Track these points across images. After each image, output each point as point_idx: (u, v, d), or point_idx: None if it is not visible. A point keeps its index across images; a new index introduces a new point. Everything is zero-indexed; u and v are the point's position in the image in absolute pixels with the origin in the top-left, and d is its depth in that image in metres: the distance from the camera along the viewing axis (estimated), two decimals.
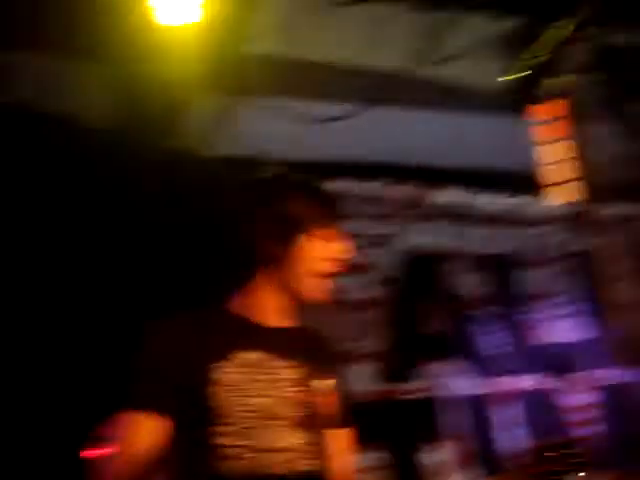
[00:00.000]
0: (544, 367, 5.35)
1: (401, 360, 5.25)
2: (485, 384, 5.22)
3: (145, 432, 2.30)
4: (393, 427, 5.03)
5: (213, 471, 2.28)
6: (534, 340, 5.44)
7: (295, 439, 2.33)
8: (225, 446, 2.29)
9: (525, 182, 5.71)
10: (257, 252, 2.40)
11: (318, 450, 2.37)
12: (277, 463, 2.30)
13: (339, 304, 5.22)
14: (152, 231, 4.65)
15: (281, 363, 2.38)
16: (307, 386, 2.38)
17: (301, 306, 2.46)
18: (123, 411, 2.32)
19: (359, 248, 5.31)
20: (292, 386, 2.37)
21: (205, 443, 2.30)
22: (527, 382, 5.30)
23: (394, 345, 5.26)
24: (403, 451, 5.00)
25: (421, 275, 5.37)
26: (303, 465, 2.32)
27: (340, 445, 2.50)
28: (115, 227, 4.67)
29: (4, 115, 4.51)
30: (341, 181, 5.34)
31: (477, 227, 5.55)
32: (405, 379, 5.18)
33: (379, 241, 5.38)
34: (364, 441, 4.89)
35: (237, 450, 2.29)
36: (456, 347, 5.25)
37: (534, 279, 5.62)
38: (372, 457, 4.96)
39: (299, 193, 2.42)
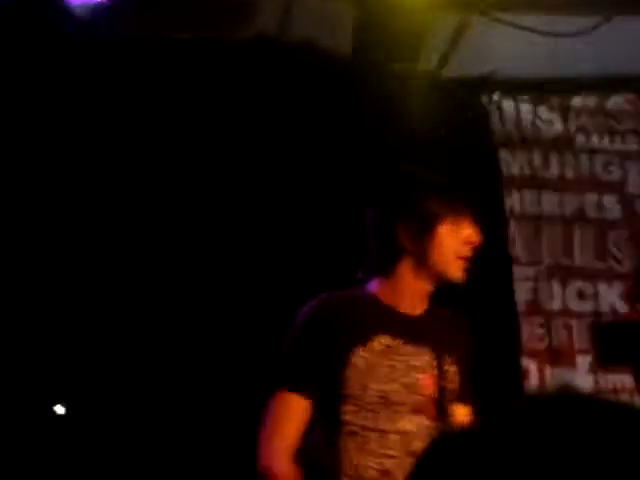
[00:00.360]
0: None
1: None
2: None
3: (298, 412, 2.62)
4: None
5: (337, 446, 2.60)
6: None
7: (414, 424, 2.61)
8: (350, 423, 2.59)
9: None
10: (400, 244, 2.66)
11: (435, 434, 2.57)
12: (395, 443, 2.59)
13: (584, 222, 5.11)
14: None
15: (412, 349, 2.66)
16: (435, 372, 2.64)
17: (437, 290, 2.75)
18: (278, 391, 2.64)
19: (605, 164, 5.15)
20: (420, 372, 2.64)
21: (334, 419, 2.61)
22: None
23: None
24: None
25: None
26: (418, 447, 2.54)
27: (461, 420, 2.70)
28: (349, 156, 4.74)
29: (246, 50, 4.66)
30: (581, 96, 5.19)
31: None
32: None
33: (627, 157, 5.18)
34: (611, 362, 4.80)
35: (358, 429, 2.59)
36: None
37: None
38: (617, 379, 4.86)
39: (434, 190, 2.71)
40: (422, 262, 2.68)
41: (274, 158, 4.78)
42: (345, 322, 2.64)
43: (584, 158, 5.17)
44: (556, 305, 4.99)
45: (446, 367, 2.69)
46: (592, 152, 5.18)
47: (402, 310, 2.72)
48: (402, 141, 4.86)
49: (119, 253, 4.75)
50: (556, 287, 5.02)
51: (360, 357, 2.61)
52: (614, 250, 5.11)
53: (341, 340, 2.62)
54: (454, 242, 2.71)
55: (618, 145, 5.18)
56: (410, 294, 2.72)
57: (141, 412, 4.66)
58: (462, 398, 2.77)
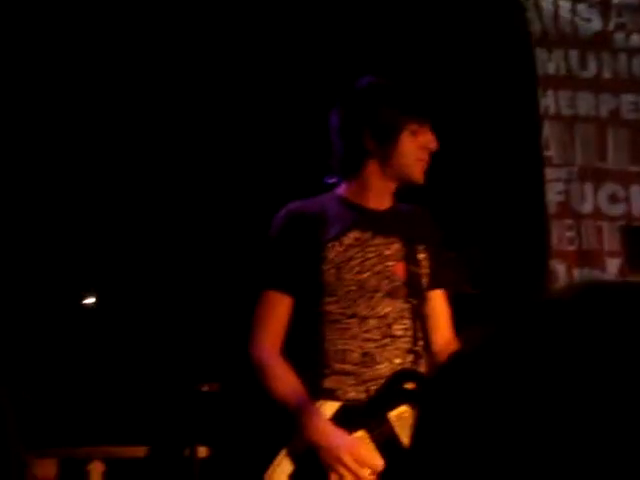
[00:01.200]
0: None
1: None
2: None
3: (281, 309, 2.89)
4: None
5: (321, 335, 2.84)
6: None
7: (390, 308, 2.85)
8: (332, 313, 2.84)
9: None
10: (366, 147, 2.92)
11: (411, 316, 2.87)
12: (374, 327, 2.83)
13: (620, 123, 5.03)
14: None
15: (382, 240, 2.91)
16: (402, 260, 2.90)
17: (400, 188, 3.00)
18: (262, 291, 2.90)
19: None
20: (391, 260, 2.89)
21: (316, 311, 2.85)
22: None
23: None
24: None
25: None
26: (397, 330, 2.84)
27: (437, 303, 3.01)
28: None
29: None
30: None
31: None
32: None
33: None
34: (639, 266, 4.77)
35: (339, 317, 2.83)
36: None
37: None
38: None
39: (398, 100, 2.96)
40: (386, 164, 2.95)
41: (240, 60, 4.75)
42: (317, 222, 2.92)
43: (622, 57, 5.06)
44: (587, 208, 4.95)
45: (415, 254, 2.96)
46: (631, 51, 5.06)
47: (370, 206, 2.98)
48: (435, 38, 4.78)
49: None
50: (588, 189, 4.97)
51: (334, 251, 2.88)
52: None
53: (315, 238, 2.89)
54: (414, 147, 2.96)
55: None
56: (376, 191, 2.98)
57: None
58: (436, 283, 3.03)
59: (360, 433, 2.80)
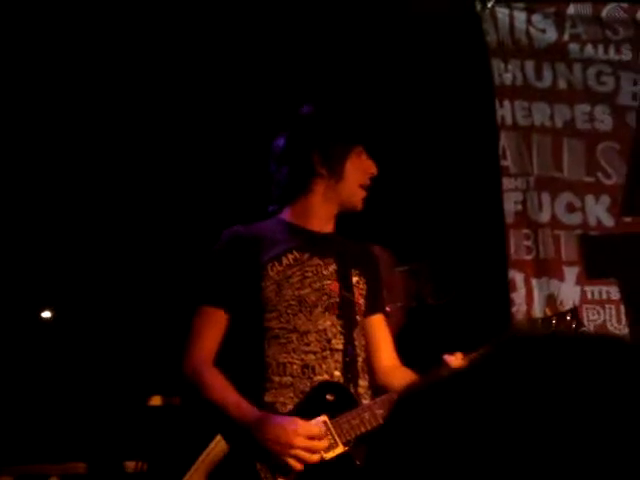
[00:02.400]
0: None
1: None
2: None
3: (215, 324, 2.96)
4: (630, 261, 4.91)
5: (263, 350, 2.92)
6: None
7: (328, 323, 2.95)
8: (273, 328, 2.92)
9: None
10: (314, 169, 3.02)
11: (346, 332, 2.96)
12: (313, 341, 2.91)
13: (575, 134, 5.07)
14: None
15: (319, 261, 3.03)
16: (342, 280, 3.01)
17: (341, 213, 3.10)
18: (198, 307, 2.98)
19: (597, 75, 5.09)
20: (328, 279, 2.99)
21: (257, 326, 2.93)
22: None
23: (635, 176, 5.06)
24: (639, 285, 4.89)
25: None
26: (336, 344, 2.93)
27: (377, 328, 3.12)
28: None
29: None
30: (574, 5, 5.10)
31: None
32: None
33: (620, 67, 5.11)
34: (597, 274, 4.82)
35: (282, 331, 2.92)
36: None
37: None
38: (603, 291, 4.89)
39: (346, 123, 3.07)
40: (331, 187, 3.04)
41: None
42: (259, 243, 3.01)
43: (577, 68, 5.11)
44: (544, 217, 4.98)
45: (349, 277, 3.06)
46: (585, 62, 5.11)
47: (312, 229, 3.08)
48: (392, 53, 4.80)
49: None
50: (545, 199, 5.00)
51: (274, 270, 2.97)
52: (603, 162, 5.08)
53: (256, 257, 2.99)
54: (359, 172, 3.06)
55: (612, 55, 5.10)
56: (319, 214, 3.08)
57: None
58: (374, 308, 3.14)
59: None
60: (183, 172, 4.82)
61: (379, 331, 3.16)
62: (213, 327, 2.99)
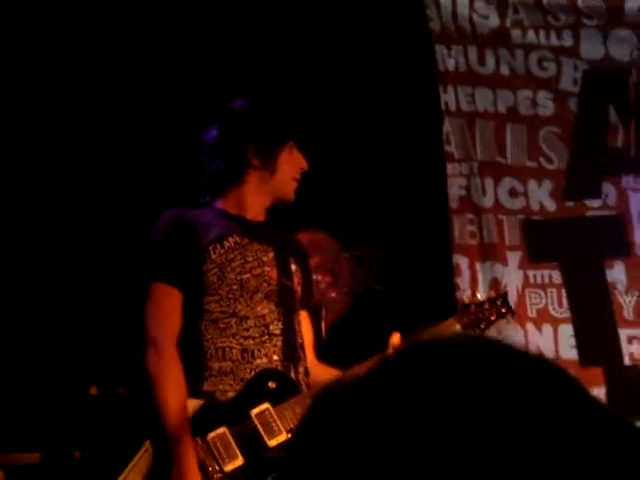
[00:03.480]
0: None
1: (584, 177, 5.11)
2: None
3: (177, 304, 2.96)
4: (572, 245, 4.96)
5: (203, 334, 2.93)
6: None
7: (268, 308, 2.99)
8: (213, 312, 2.94)
9: None
10: (248, 161, 3.07)
11: (284, 319, 3.01)
12: (254, 326, 2.95)
13: (517, 119, 5.11)
14: None
15: (259, 247, 3.06)
16: (281, 267, 3.06)
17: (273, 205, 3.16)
18: (154, 283, 2.98)
19: (540, 60, 5.13)
20: (267, 266, 3.04)
21: (197, 309, 2.94)
22: None
23: (577, 161, 5.12)
24: (581, 269, 4.95)
25: (606, 88, 5.14)
26: (274, 329, 2.97)
27: (303, 323, 3.16)
28: None
29: None
30: None
31: None
32: (588, 196, 5.06)
33: (561, 53, 5.16)
34: (539, 258, 4.88)
35: (222, 315, 2.93)
36: None
37: None
38: (546, 275, 4.94)
39: (281, 116, 3.14)
40: (265, 179, 3.10)
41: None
42: (198, 227, 3.03)
43: (519, 54, 5.14)
44: (488, 202, 5.02)
45: (288, 265, 3.11)
46: (527, 48, 5.15)
47: (246, 217, 3.13)
48: (332, 36, 4.80)
49: None
50: (488, 184, 5.04)
51: (216, 253, 2.99)
52: (545, 148, 5.13)
53: (197, 240, 3.00)
54: (291, 165, 3.13)
55: (554, 41, 5.15)
56: (252, 205, 3.13)
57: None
58: (303, 304, 3.20)
59: (221, 429, 2.88)
60: (110, 163, 4.77)
61: (304, 328, 3.19)
62: (176, 307, 2.98)
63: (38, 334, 4.66)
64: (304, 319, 3.22)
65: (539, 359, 0.80)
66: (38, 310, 4.68)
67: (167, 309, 2.97)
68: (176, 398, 2.87)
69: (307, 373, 3.07)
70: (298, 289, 3.15)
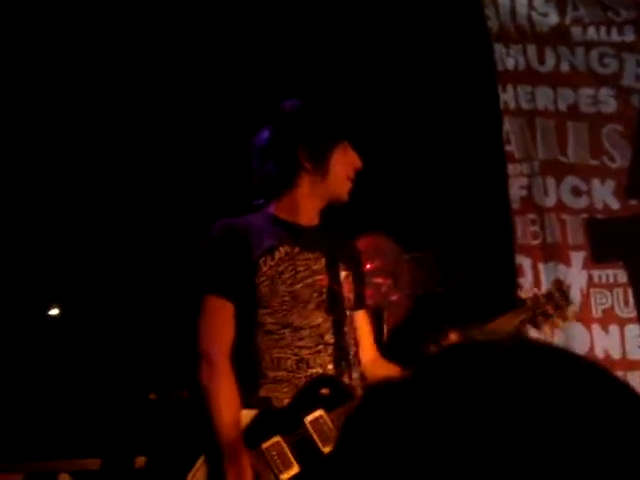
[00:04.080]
0: None
1: None
2: None
3: (230, 316, 2.95)
4: (636, 244, 4.88)
5: (256, 345, 2.93)
6: None
7: (321, 318, 2.98)
8: (267, 323, 2.94)
9: None
10: (300, 163, 3.02)
11: (341, 327, 3.00)
12: (307, 336, 2.95)
13: (579, 117, 5.05)
14: None
15: (309, 255, 3.03)
16: (332, 275, 3.04)
17: (328, 207, 3.10)
18: (206, 295, 2.96)
19: (601, 57, 5.06)
20: (319, 274, 3.02)
21: (251, 322, 2.94)
22: None
23: None
24: None
25: None
26: (329, 339, 2.97)
27: (360, 323, 3.15)
28: None
29: None
30: None
31: None
32: None
33: (623, 49, 5.08)
34: (604, 258, 4.81)
35: (276, 327, 2.93)
36: None
37: None
38: (610, 274, 4.87)
39: (331, 118, 3.08)
40: (317, 182, 3.05)
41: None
42: (249, 237, 3.01)
43: (580, 51, 5.08)
44: (550, 202, 4.96)
45: (338, 272, 3.07)
46: (588, 44, 5.08)
47: (299, 223, 3.09)
48: (391, 36, 4.78)
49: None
50: (550, 183, 4.98)
51: (267, 265, 2.98)
52: (607, 146, 5.06)
53: (248, 252, 2.99)
54: (343, 167, 3.07)
55: (615, 37, 5.08)
56: (305, 209, 3.09)
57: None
58: (358, 305, 3.17)
59: (276, 438, 2.87)
60: (171, 168, 4.81)
61: (361, 328, 3.18)
62: (228, 319, 2.97)
63: (99, 340, 4.71)
64: (362, 319, 3.20)
65: (584, 361, 0.79)
66: (100, 316, 4.73)
67: (220, 322, 2.96)
68: (229, 413, 2.86)
69: (363, 378, 3.06)
70: (349, 295, 3.11)
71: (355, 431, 0.79)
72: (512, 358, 0.78)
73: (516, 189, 4.94)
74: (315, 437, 2.86)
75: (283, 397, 2.92)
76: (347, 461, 0.77)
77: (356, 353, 3.07)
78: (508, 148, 4.96)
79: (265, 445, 2.86)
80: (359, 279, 3.20)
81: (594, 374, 0.78)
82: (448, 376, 0.78)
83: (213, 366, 2.90)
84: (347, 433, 0.80)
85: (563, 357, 0.79)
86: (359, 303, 3.18)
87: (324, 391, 2.92)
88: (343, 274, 3.10)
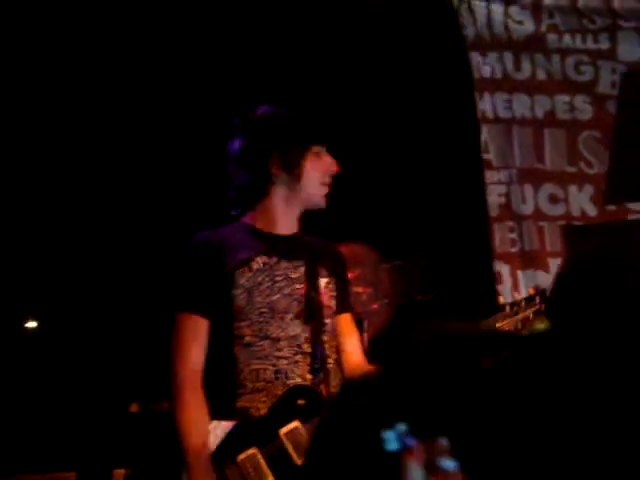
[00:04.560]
0: None
1: (626, 180, 5.05)
2: None
3: (200, 333, 2.93)
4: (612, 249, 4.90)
5: (235, 358, 2.91)
6: None
7: (300, 328, 2.95)
8: (245, 335, 2.92)
9: None
10: (272, 173, 2.99)
11: (319, 336, 2.98)
12: (285, 347, 2.94)
13: (555, 124, 5.07)
14: None
15: (288, 264, 3.00)
16: (307, 283, 3.00)
17: (305, 214, 3.06)
18: (179, 314, 2.93)
19: (576, 64, 5.09)
20: (293, 284, 2.98)
21: (229, 334, 2.92)
22: None
23: (618, 165, 5.06)
24: None
25: None
26: (307, 348, 2.95)
27: (345, 326, 3.11)
28: None
29: None
30: None
31: None
32: (630, 200, 4.99)
33: (598, 56, 5.11)
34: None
35: (254, 339, 2.92)
36: None
37: None
38: None
39: (302, 124, 3.04)
40: (292, 189, 3.01)
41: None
42: (225, 250, 2.97)
43: (556, 58, 5.10)
44: (528, 209, 4.98)
45: (317, 279, 3.03)
46: (564, 52, 5.10)
47: (276, 232, 3.05)
48: (367, 46, 4.78)
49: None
50: (528, 191, 5.00)
51: (244, 277, 2.95)
52: (584, 152, 5.08)
53: (224, 265, 2.95)
54: (317, 172, 3.03)
55: (590, 44, 5.10)
56: (282, 217, 3.05)
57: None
58: (342, 308, 3.11)
59: (251, 450, 2.85)
60: (146, 180, 4.79)
61: (345, 331, 3.14)
62: (198, 337, 2.95)
63: (79, 353, 4.68)
64: (346, 324, 3.15)
65: None
66: (79, 328, 4.70)
67: (189, 341, 2.93)
68: (197, 434, 2.85)
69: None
70: (330, 302, 3.08)
71: (323, 443, 0.79)
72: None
73: (494, 197, 4.95)
74: (290, 449, 2.84)
75: (261, 407, 2.90)
76: (315, 473, 0.78)
77: (337, 360, 3.06)
78: (486, 156, 4.97)
79: (241, 457, 2.85)
80: (342, 284, 3.16)
81: None
82: (412, 372, 0.78)
83: (181, 389, 2.89)
84: (316, 444, 0.80)
85: None
86: (342, 307, 3.13)
87: (300, 402, 2.91)
88: (324, 281, 3.07)
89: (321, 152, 3.06)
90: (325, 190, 3.05)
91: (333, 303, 3.09)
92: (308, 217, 3.15)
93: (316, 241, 3.13)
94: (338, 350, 3.09)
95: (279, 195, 3.03)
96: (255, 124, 3.05)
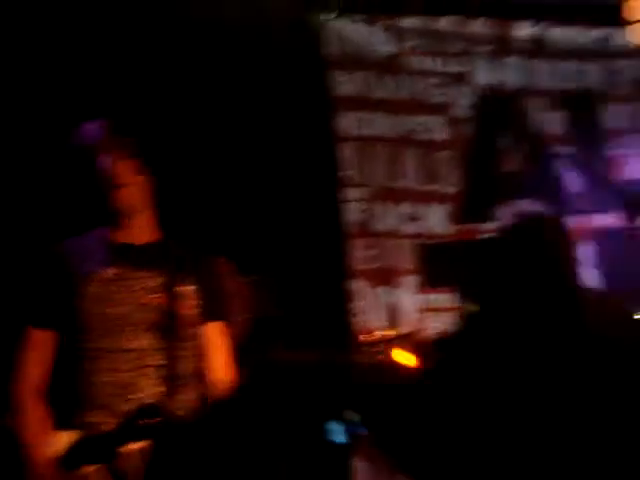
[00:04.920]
0: (623, 205, 5.24)
1: (479, 200, 5.19)
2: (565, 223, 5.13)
3: (43, 348, 2.91)
4: (468, 268, 5.02)
5: (82, 371, 2.87)
6: (614, 178, 5.31)
7: (149, 342, 2.89)
8: (91, 349, 2.87)
9: (607, 13, 5.43)
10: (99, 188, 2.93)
11: (174, 347, 2.92)
12: (130, 359, 2.87)
13: (414, 144, 5.17)
14: None
15: (144, 274, 2.94)
16: (166, 292, 2.93)
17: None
18: (25, 328, 2.92)
19: (435, 86, 5.21)
20: (150, 293, 2.92)
21: (75, 347, 2.89)
22: (606, 220, 5.21)
23: (472, 185, 5.20)
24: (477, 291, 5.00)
25: (499, 113, 5.24)
26: (158, 360, 2.88)
27: (212, 336, 3.06)
28: None
29: None
30: (412, 18, 5.21)
31: (555, 62, 5.36)
32: (483, 219, 5.13)
33: (455, 79, 5.24)
34: (437, 282, 4.92)
35: (97, 352, 2.87)
36: (535, 186, 5.16)
37: (615, 115, 5.44)
38: (441, 299, 4.99)
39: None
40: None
41: None
42: (77, 260, 2.93)
43: (415, 80, 5.20)
44: (385, 227, 5.05)
45: (176, 288, 2.96)
46: (423, 74, 5.21)
47: (131, 241, 3.00)
48: (229, 65, 4.79)
49: None
50: (385, 209, 5.07)
51: (93, 287, 2.89)
52: (441, 172, 5.20)
53: (74, 275, 2.90)
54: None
55: (448, 67, 5.24)
56: (131, 227, 2.99)
57: None
58: (209, 316, 3.04)
59: (92, 467, 2.83)
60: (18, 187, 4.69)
61: (212, 340, 3.08)
62: (40, 351, 2.92)
63: None
64: (213, 330, 3.07)
65: None
66: None
67: (31, 356, 2.92)
68: (37, 450, 2.85)
69: (199, 398, 2.99)
70: (190, 312, 2.99)
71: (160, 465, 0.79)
72: None
73: (352, 214, 5.01)
74: (127, 469, 2.82)
75: (107, 422, 2.86)
76: None
77: (196, 371, 3.00)
78: (344, 174, 5.03)
79: (86, 470, 2.82)
80: (211, 292, 3.08)
81: None
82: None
83: (19, 402, 2.89)
84: (153, 466, 0.80)
85: None
86: (210, 316, 3.05)
87: (144, 421, 2.88)
88: (189, 289, 2.99)
89: (102, 159, 2.96)
90: (116, 193, 2.97)
91: (193, 312, 3.01)
92: (167, 228, 3.10)
93: (182, 249, 3.06)
94: (203, 359, 3.05)
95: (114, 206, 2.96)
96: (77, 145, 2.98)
